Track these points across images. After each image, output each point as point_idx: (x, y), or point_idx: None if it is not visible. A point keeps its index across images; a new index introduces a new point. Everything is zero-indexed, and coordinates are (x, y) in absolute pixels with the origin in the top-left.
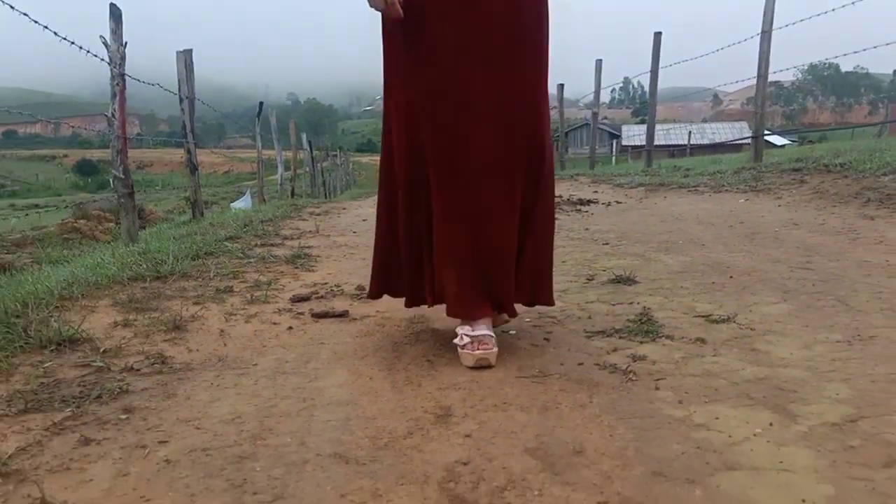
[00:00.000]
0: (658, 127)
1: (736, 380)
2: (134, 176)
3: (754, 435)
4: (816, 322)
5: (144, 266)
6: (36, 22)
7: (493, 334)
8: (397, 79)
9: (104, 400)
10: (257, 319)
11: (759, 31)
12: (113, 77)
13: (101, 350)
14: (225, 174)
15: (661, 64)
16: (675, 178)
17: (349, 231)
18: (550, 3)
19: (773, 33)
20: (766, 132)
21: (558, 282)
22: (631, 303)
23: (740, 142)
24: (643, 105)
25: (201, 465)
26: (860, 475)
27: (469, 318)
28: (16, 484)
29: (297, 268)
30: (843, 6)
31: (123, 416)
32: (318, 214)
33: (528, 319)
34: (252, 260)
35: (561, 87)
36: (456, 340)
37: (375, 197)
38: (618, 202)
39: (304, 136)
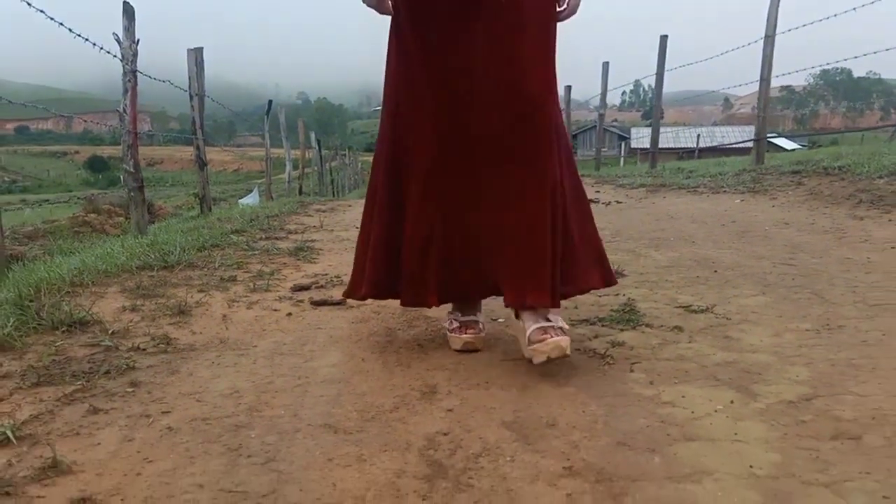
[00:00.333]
0: (667, 130)
1: (706, 363)
2: (144, 173)
3: (715, 411)
4: (790, 313)
5: (152, 256)
6: (52, 19)
7: (480, 320)
8: (402, 69)
9: (112, 375)
10: (258, 306)
11: (763, 35)
12: (125, 73)
13: (110, 331)
14: (234, 172)
15: (670, 67)
16: (676, 180)
17: (352, 226)
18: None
19: (784, 37)
20: (772, 135)
21: None
22: (617, 294)
23: (748, 145)
24: (653, 108)
25: (201, 433)
26: (807, 446)
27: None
28: (29, 446)
29: (299, 260)
30: (846, 11)
31: (130, 390)
32: (324, 211)
33: None
34: (256, 252)
35: (568, 88)
36: (445, 324)
37: None
38: (618, 202)
39: (312, 135)
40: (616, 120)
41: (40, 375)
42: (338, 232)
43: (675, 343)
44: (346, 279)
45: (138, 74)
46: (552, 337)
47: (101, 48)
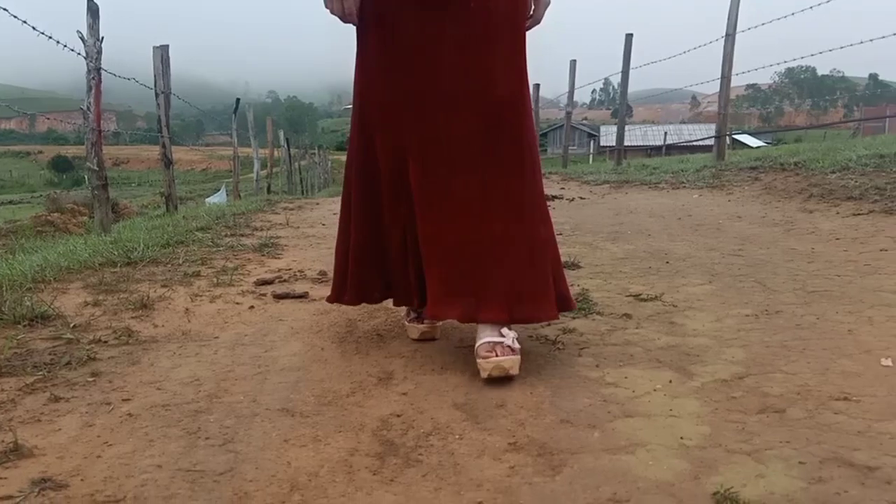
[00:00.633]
0: (636, 128)
1: (650, 347)
2: (110, 172)
3: (654, 390)
4: (733, 300)
5: (115, 253)
6: (15, 17)
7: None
8: (371, 72)
9: (73, 366)
10: (221, 300)
11: (724, 33)
12: (89, 71)
13: (72, 325)
14: (203, 171)
15: (636, 64)
16: (640, 176)
17: (318, 223)
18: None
19: (749, 36)
20: (735, 133)
21: None
22: (572, 285)
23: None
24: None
25: (160, 418)
26: (735, 419)
27: (458, 319)
28: None
29: (263, 255)
30: (802, 10)
31: (90, 379)
32: (291, 209)
33: None
34: (221, 248)
35: (537, 86)
36: (403, 314)
37: None
38: (581, 198)
39: (281, 133)
40: (586, 118)
41: (1, 367)
42: (304, 229)
43: (623, 329)
44: (310, 274)
45: (103, 72)
46: (496, 356)
47: (66, 46)
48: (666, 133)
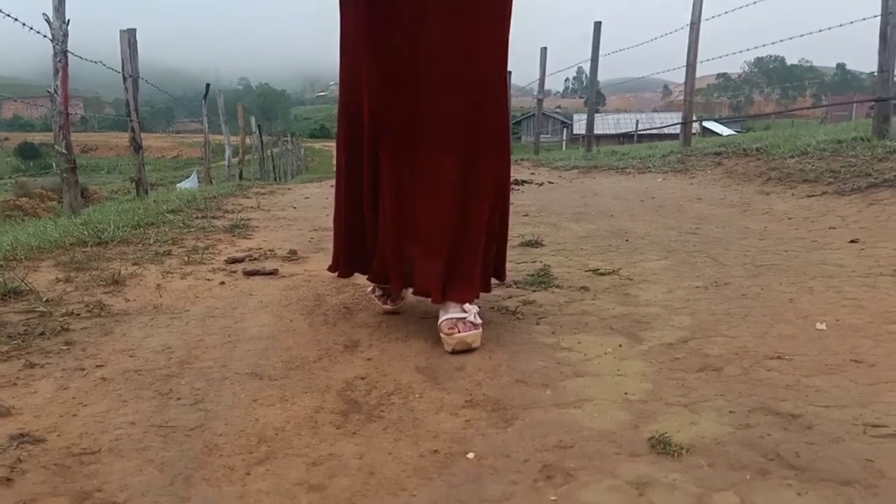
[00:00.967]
0: (609, 116)
1: (604, 316)
2: (79, 159)
3: (605, 353)
4: (686, 274)
5: (86, 233)
6: None
7: (399, 296)
8: (350, 49)
9: (47, 336)
10: (192, 277)
11: (689, 22)
12: (55, 54)
13: (45, 299)
14: (174, 159)
15: (605, 52)
16: (608, 162)
17: (289, 206)
18: None
19: (718, 25)
20: (702, 119)
21: None
22: (534, 262)
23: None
24: (596, 95)
25: (133, 381)
26: (676, 377)
27: (437, 300)
28: None
29: (234, 236)
30: None
31: (64, 348)
32: (263, 194)
33: None
34: (192, 229)
35: (509, 74)
36: (368, 290)
37: (323, 181)
38: (550, 182)
39: (252, 120)
40: (559, 106)
41: None
42: (275, 212)
43: (580, 301)
44: (280, 253)
45: (70, 56)
46: (459, 332)
47: (31, 28)
48: (637, 121)
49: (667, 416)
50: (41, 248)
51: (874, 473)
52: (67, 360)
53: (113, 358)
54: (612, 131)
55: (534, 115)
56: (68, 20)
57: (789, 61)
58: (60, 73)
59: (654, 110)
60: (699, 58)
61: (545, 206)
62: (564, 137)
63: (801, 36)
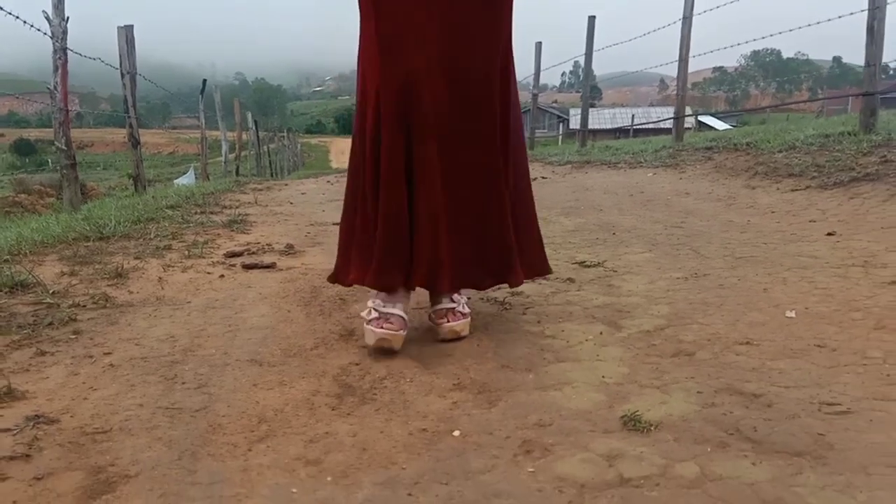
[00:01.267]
0: (605, 111)
1: (587, 306)
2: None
3: (586, 340)
4: (668, 265)
5: (88, 228)
6: None
7: (404, 315)
8: (366, 47)
9: (55, 326)
10: (193, 270)
11: (682, 16)
12: (55, 51)
13: (51, 291)
14: (170, 155)
15: (599, 46)
16: (601, 157)
17: (286, 202)
18: None
19: (715, 18)
20: (701, 114)
21: None
22: None
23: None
24: (592, 89)
25: (140, 367)
26: (651, 361)
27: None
28: None
29: (233, 231)
30: None
31: (73, 336)
32: (260, 190)
33: None
34: (191, 224)
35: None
36: (363, 313)
37: (319, 176)
38: (543, 177)
39: (249, 116)
40: (556, 101)
41: None
42: (272, 207)
43: (565, 291)
44: (277, 247)
45: (69, 52)
46: (448, 322)
47: (32, 26)
48: (633, 115)
49: (639, 397)
50: (45, 243)
51: (824, 446)
52: (76, 348)
53: (119, 346)
54: (609, 126)
55: (527, 111)
56: (67, 17)
57: (785, 55)
58: (60, 71)
59: (651, 104)
60: (694, 51)
61: (537, 200)
62: (560, 132)
63: (800, 28)
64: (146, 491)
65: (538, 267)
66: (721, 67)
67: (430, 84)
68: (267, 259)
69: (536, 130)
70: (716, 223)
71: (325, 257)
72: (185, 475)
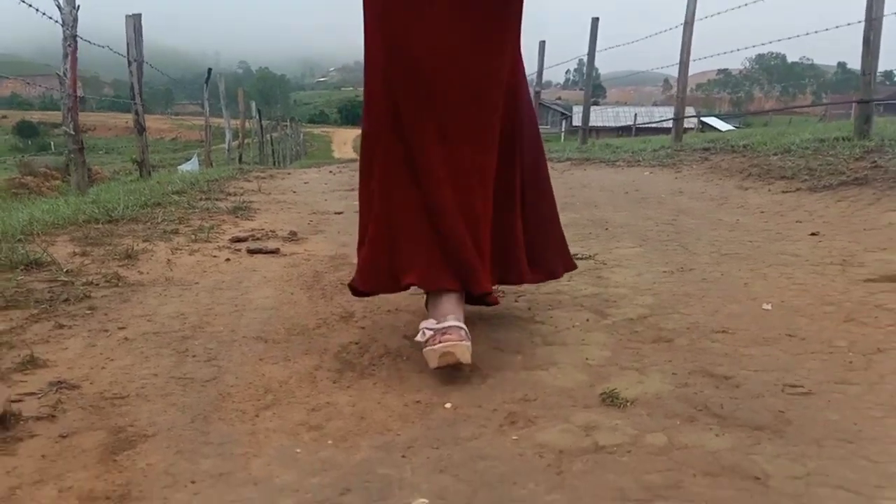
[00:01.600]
0: (609, 109)
1: (576, 295)
2: None
3: (573, 326)
4: (656, 260)
5: (97, 211)
6: None
7: (463, 326)
8: (370, 43)
9: (71, 302)
10: (199, 253)
11: (683, 21)
12: (65, 38)
13: (65, 270)
14: (172, 141)
15: (602, 47)
16: (601, 155)
17: (289, 191)
18: None
19: (719, 22)
20: (704, 116)
21: None
22: None
23: (688, 124)
24: (596, 87)
25: (153, 341)
26: (632, 346)
27: (432, 288)
28: (7, 349)
29: (237, 217)
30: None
31: (88, 312)
32: (263, 178)
33: None
34: (197, 210)
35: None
36: (418, 337)
37: (322, 166)
38: None
39: (253, 105)
40: (560, 98)
41: (7, 301)
42: (275, 195)
43: (556, 282)
44: (281, 234)
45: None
46: None
47: (44, 14)
48: (636, 115)
49: (619, 377)
50: (56, 225)
51: (783, 421)
52: (92, 322)
53: (133, 322)
54: (612, 124)
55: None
56: (78, 5)
57: (790, 59)
58: (69, 58)
59: (655, 104)
60: (699, 54)
61: None
62: (563, 129)
63: (807, 34)
64: (163, 448)
65: (552, 267)
66: (726, 70)
67: (435, 81)
68: (271, 245)
69: (539, 127)
70: (706, 221)
71: (326, 244)
72: (199, 436)
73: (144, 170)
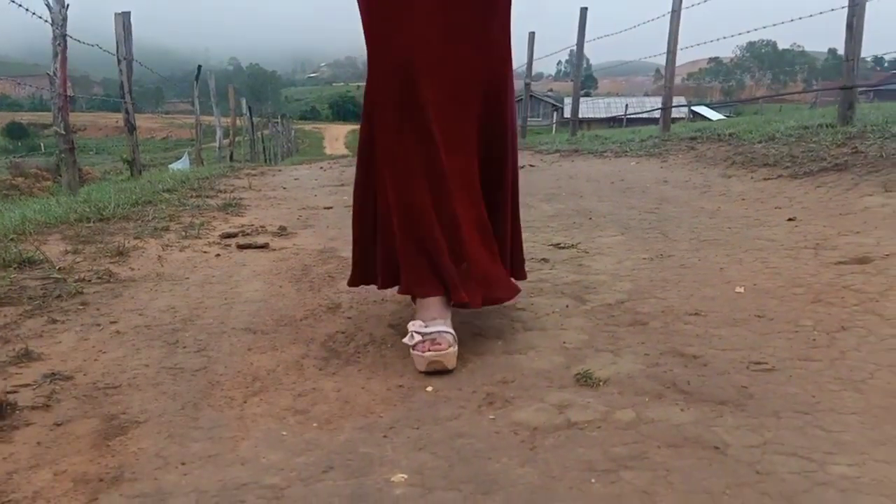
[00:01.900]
0: (600, 100)
1: (557, 283)
2: None
3: (553, 312)
4: (637, 247)
5: (88, 210)
6: None
7: (450, 331)
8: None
9: (64, 298)
10: (190, 249)
11: (670, 9)
12: (55, 38)
13: (57, 267)
14: (163, 140)
15: (591, 37)
16: (590, 146)
17: (279, 187)
18: None
19: (709, 9)
20: (694, 105)
21: None
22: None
23: (679, 114)
24: (587, 78)
25: (144, 334)
26: (608, 330)
27: (418, 294)
28: (2, 344)
29: (227, 213)
30: None
31: (80, 307)
32: (254, 175)
33: None
34: (187, 207)
35: None
36: (406, 340)
37: (313, 163)
38: (531, 165)
39: (243, 102)
40: (551, 90)
41: (1, 298)
42: (265, 192)
43: (538, 270)
44: (270, 229)
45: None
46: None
47: (34, 13)
48: (627, 105)
49: (594, 359)
50: (48, 224)
51: (745, 396)
52: (84, 317)
53: (124, 316)
54: (603, 115)
55: (520, 100)
56: (67, 4)
57: (781, 46)
58: (59, 57)
59: (646, 94)
60: (690, 42)
61: (521, 187)
62: (554, 121)
63: (796, 19)
64: (155, 434)
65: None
66: (717, 58)
67: (425, 83)
68: (260, 240)
69: (530, 119)
70: (687, 209)
71: (315, 239)
72: (189, 421)
73: (135, 169)
